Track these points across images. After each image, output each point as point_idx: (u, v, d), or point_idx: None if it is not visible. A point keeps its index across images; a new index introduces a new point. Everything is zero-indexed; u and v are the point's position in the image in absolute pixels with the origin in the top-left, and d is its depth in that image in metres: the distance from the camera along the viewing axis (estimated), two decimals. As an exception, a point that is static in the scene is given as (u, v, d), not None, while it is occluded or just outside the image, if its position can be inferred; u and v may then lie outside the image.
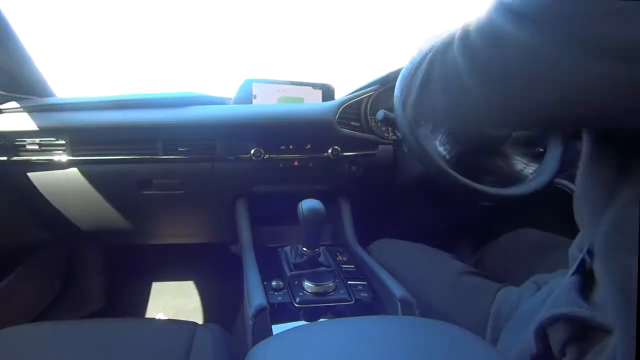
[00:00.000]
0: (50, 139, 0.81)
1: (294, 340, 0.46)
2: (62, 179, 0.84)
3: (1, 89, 0.83)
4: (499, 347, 0.52)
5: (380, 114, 0.76)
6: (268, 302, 0.62)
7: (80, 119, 0.81)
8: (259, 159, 0.86)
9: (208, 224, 1.03)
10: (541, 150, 0.78)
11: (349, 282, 0.71)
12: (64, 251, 1.11)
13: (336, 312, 0.65)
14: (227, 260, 1.23)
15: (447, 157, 0.73)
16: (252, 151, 0.85)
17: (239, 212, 0.91)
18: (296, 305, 0.66)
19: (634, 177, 0.34)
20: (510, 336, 0.51)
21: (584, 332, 0.38)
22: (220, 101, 0.92)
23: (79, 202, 0.89)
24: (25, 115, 0.80)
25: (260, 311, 0.59)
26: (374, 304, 0.67)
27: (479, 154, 0.77)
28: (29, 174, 0.83)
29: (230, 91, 0.94)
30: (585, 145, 0.40)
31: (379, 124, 0.90)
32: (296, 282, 0.70)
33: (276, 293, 0.68)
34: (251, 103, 0.92)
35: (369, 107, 0.89)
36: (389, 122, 0.74)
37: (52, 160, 0.82)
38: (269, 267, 0.75)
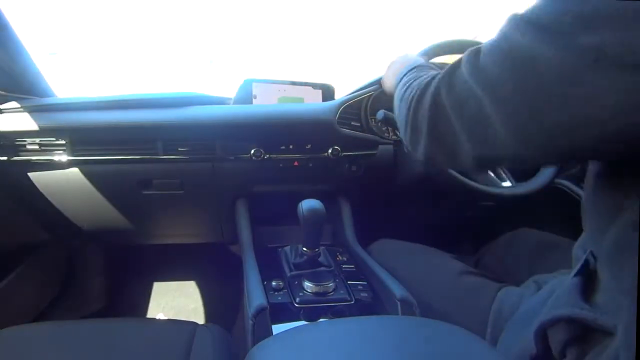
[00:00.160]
0: (51, 139, 0.81)
1: (294, 340, 0.46)
2: (62, 179, 0.84)
3: (1, 89, 0.83)
4: (499, 347, 0.52)
5: (381, 113, 0.76)
6: (268, 302, 0.61)
7: (80, 119, 0.81)
8: (259, 159, 0.85)
9: (208, 224, 1.03)
10: None
11: (349, 282, 0.71)
12: (64, 251, 1.11)
13: (336, 312, 0.65)
14: (227, 260, 1.23)
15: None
16: (252, 151, 0.85)
17: (239, 212, 0.91)
18: (296, 305, 0.66)
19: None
20: (510, 336, 0.51)
21: (585, 333, 0.38)
22: (220, 101, 0.92)
23: (79, 202, 0.89)
24: (26, 115, 0.80)
25: (260, 311, 0.59)
26: (374, 304, 0.67)
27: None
28: (29, 174, 0.83)
29: (230, 91, 0.94)
30: (593, 164, 0.39)
31: (379, 124, 0.90)
32: (296, 282, 0.70)
33: (276, 293, 0.68)
34: (251, 103, 0.92)
35: (369, 107, 0.89)
36: (389, 122, 0.74)
37: (52, 160, 0.82)
38: (269, 267, 0.75)
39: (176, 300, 1.22)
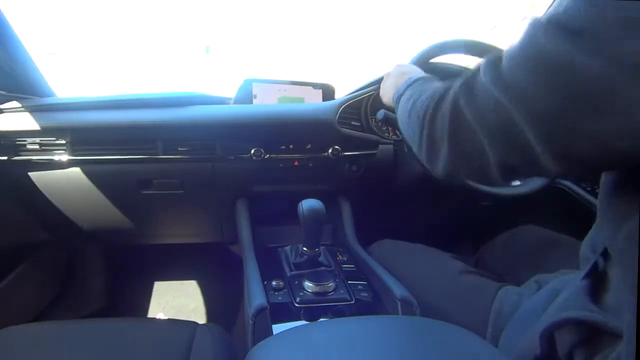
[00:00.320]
0: (51, 139, 0.81)
1: (294, 340, 0.46)
2: (62, 179, 0.84)
3: (1, 89, 0.83)
4: (501, 347, 0.51)
5: (381, 113, 0.76)
6: (268, 302, 0.61)
7: (80, 118, 0.81)
8: (259, 158, 0.85)
9: (208, 224, 1.03)
10: None
11: (349, 282, 0.71)
12: (64, 251, 1.11)
13: (336, 312, 0.65)
14: (227, 260, 1.23)
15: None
16: (252, 151, 0.85)
17: (239, 212, 0.91)
18: (296, 305, 0.66)
19: None
20: (511, 336, 0.51)
21: (593, 336, 0.38)
22: (220, 101, 0.92)
23: (79, 201, 0.89)
24: (26, 114, 0.80)
25: (260, 311, 0.59)
26: (374, 303, 0.67)
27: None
28: (30, 174, 0.83)
29: (230, 91, 0.94)
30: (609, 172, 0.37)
31: (380, 123, 0.90)
32: (296, 282, 0.70)
33: (276, 293, 0.68)
34: (251, 103, 0.92)
35: (369, 107, 0.89)
36: (390, 121, 0.74)
37: (52, 160, 0.82)
38: (269, 267, 0.75)
39: (176, 300, 1.22)
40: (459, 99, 0.38)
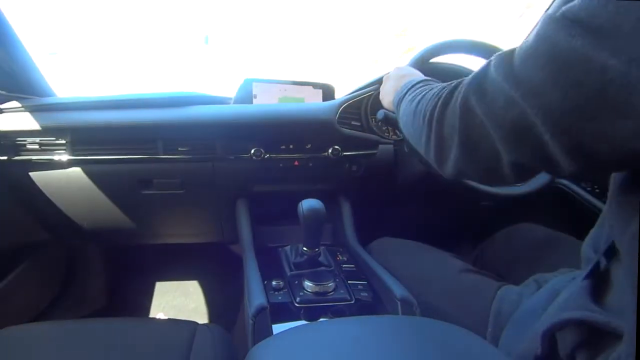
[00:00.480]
0: (51, 139, 0.81)
1: (294, 340, 0.46)
2: (62, 179, 0.84)
3: (1, 89, 0.83)
4: (501, 346, 0.51)
5: (381, 113, 0.76)
6: (268, 301, 0.61)
7: (80, 118, 0.81)
8: (259, 158, 0.85)
9: (208, 224, 1.03)
10: None
11: (349, 282, 0.71)
12: (64, 251, 1.11)
13: (336, 312, 0.65)
14: (227, 260, 1.23)
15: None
16: (253, 151, 0.85)
17: (239, 211, 0.91)
18: (296, 305, 0.66)
19: None
20: (511, 336, 0.51)
21: (595, 336, 0.37)
22: (220, 101, 0.92)
23: (79, 201, 0.89)
24: (26, 114, 0.80)
25: (260, 311, 0.59)
26: (374, 303, 0.67)
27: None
28: (30, 174, 0.83)
29: (230, 91, 0.94)
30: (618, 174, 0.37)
31: (380, 123, 0.90)
32: (296, 282, 0.70)
33: (276, 293, 0.68)
34: (251, 103, 0.92)
35: (370, 107, 0.89)
36: (390, 121, 0.74)
37: (52, 159, 0.82)
38: (269, 267, 0.75)
39: (176, 300, 1.22)
40: (470, 95, 0.38)
